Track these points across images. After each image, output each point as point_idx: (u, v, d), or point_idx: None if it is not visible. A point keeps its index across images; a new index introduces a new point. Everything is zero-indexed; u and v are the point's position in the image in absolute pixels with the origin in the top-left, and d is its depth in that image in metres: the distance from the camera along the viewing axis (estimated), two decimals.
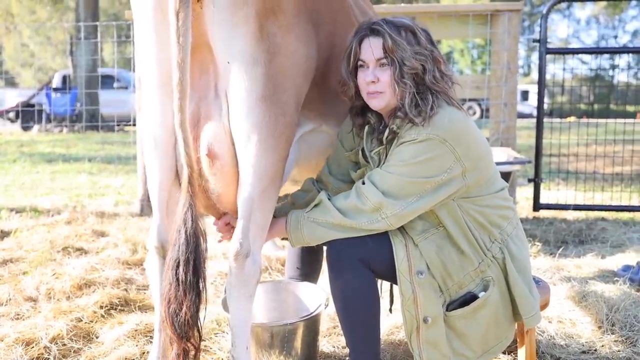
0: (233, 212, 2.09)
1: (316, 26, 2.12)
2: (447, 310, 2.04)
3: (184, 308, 1.82)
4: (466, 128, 1.99)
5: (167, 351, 1.89)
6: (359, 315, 2.05)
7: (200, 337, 1.90)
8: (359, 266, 2.02)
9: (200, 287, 1.86)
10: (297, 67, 2.03)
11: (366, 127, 2.17)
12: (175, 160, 2.05)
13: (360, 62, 2.05)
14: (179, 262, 1.83)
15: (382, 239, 2.04)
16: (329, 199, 2.06)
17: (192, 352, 1.88)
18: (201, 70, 1.95)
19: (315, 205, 2.07)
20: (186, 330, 1.84)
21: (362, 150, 2.20)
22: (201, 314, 1.89)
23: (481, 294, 2.04)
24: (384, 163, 2.06)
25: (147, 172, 2.05)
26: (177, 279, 1.82)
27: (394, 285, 2.24)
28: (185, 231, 1.83)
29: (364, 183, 2.02)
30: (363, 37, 2.04)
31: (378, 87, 2.02)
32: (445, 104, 2.00)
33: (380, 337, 2.14)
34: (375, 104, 2.05)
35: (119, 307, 3.16)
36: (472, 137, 2.00)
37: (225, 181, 1.98)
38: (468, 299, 2.05)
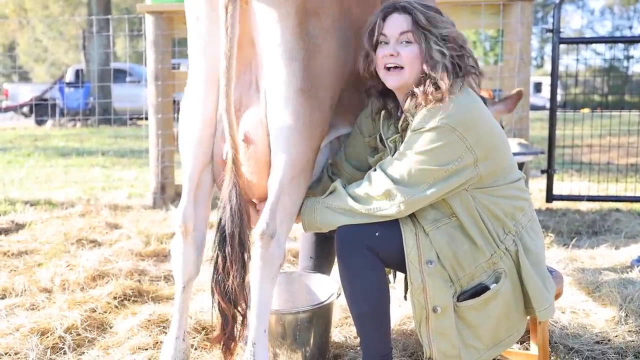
0: (261, 200, 2.13)
1: (358, 33, 2.18)
2: (457, 300, 2.02)
3: (231, 277, 2.00)
4: (478, 116, 1.97)
5: (219, 318, 2.13)
6: (367, 301, 2.05)
7: (247, 305, 2.10)
8: (367, 253, 2.02)
9: (246, 258, 2.03)
10: (336, 68, 2.14)
11: (382, 112, 2.18)
12: (210, 149, 2.16)
13: (381, 38, 2.05)
14: (225, 236, 1.99)
15: (392, 227, 2.04)
16: (343, 187, 2.08)
17: (241, 319, 2.10)
18: (244, 65, 2.07)
19: (331, 192, 2.11)
20: (234, 297, 2.04)
21: (380, 136, 2.20)
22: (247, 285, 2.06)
23: (493, 286, 2.02)
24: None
25: (182, 157, 2.18)
26: (224, 252, 2.00)
27: None
28: (230, 208, 1.98)
29: (375, 170, 2.03)
30: (388, 12, 2.04)
31: (397, 60, 2.01)
32: (463, 90, 1.98)
33: (391, 326, 2.14)
34: (392, 81, 2.05)
35: (133, 298, 3.18)
36: (484, 126, 1.98)
37: (257, 167, 2.07)
38: (479, 290, 2.03)
